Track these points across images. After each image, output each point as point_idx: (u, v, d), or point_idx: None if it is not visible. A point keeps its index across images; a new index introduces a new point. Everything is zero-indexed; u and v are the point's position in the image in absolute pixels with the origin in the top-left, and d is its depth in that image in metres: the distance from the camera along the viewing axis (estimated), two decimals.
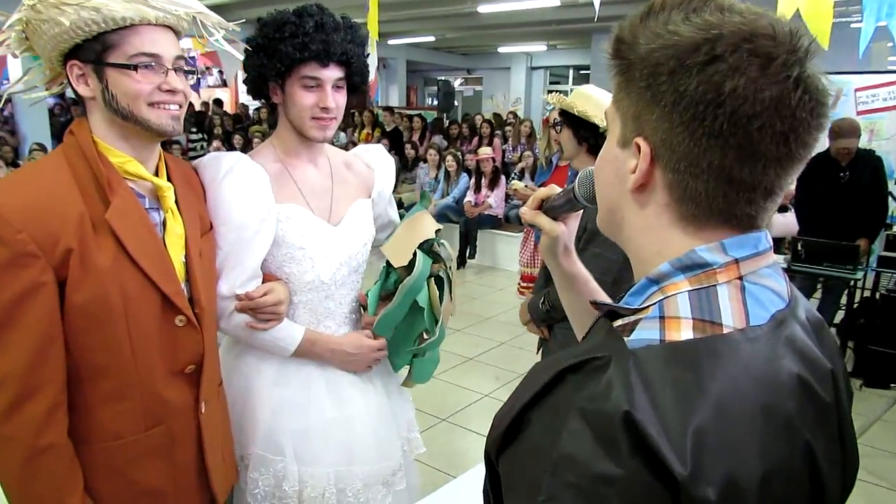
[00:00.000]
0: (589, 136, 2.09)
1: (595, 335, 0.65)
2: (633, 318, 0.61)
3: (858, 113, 6.14)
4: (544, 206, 0.94)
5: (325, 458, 1.44)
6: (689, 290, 0.60)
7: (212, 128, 9.85)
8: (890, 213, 5.28)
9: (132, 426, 1.16)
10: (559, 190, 0.94)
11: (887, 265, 4.38)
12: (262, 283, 1.42)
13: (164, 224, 1.20)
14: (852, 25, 7.08)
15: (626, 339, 0.58)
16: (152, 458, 1.19)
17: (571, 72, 15.96)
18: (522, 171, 7.63)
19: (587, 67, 13.45)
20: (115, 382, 1.13)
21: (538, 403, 0.58)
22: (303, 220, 1.46)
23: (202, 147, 9.23)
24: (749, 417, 0.54)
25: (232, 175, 1.36)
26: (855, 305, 4.39)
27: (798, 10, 3.05)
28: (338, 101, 1.43)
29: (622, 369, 0.54)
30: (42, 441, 1.05)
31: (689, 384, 0.53)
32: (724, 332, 0.57)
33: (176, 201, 1.22)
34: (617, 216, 0.68)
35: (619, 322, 0.62)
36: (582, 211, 0.93)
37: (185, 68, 1.18)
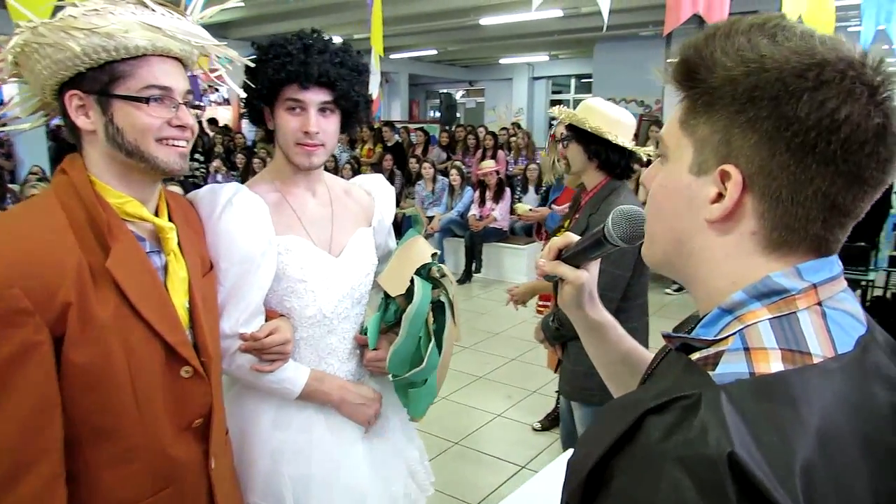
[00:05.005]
0: (601, 150, 2.05)
1: (669, 371, 0.61)
2: (713, 350, 0.57)
3: None
4: (564, 255, 0.89)
5: None
6: (769, 319, 0.57)
7: (211, 147, 9.77)
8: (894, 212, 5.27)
9: (139, 490, 1.07)
10: (576, 237, 0.88)
11: None
12: (265, 319, 1.36)
13: (165, 268, 1.12)
14: (850, 29, 7.06)
15: (710, 373, 0.54)
16: None
17: (573, 81, 15.95)
18: (526, 185, 7.59)
19: (589, 76, 13.45)
20: (119, 444, 1.04)
21: (622, 451, 0.53)
22: (303, 251, 1.40)
23: (203, 170, 9.16)
24: (853, 452, 0.51)
25: (231, 208, 1.30)
26: (867, 305, 4.35)
27: (801, 15, 3.05)
28: (323, 125, 1.36)
29: (715, 408, 0.50)
30: None
31: (789, 419, 0.50)
32: (815, 361, 0.54)
33: (178, 242, 1.15)
34: (685, 247, 0.65)
35: (697, 355, 0.58)
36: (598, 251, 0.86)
37: (195, 103, 1.12)
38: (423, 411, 1.56)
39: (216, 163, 8.69)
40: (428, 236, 7.32)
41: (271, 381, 1.36)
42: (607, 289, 2.01)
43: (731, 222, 0.60)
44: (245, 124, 11.44)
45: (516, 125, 10.83)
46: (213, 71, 1.21)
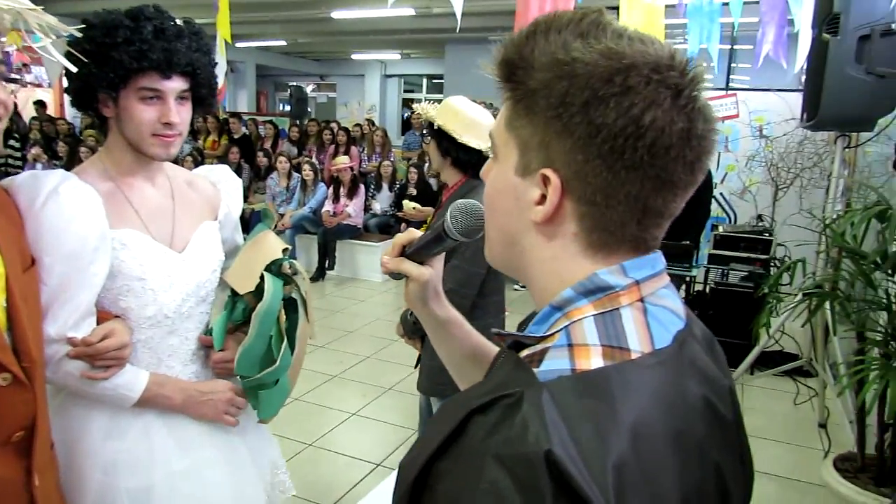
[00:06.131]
0: (451, 148, 2.09)
1: (501, 369, 0.61)
2: (539, 347, 0.58)
3: None
4: (407, 251, 0.87)
5: None
6: (594, 315, 0.58)
7: (27, 132, 8.75)
8: (714, 214, 5.86)
9: None
10: (419, 233, 0.87)
11: (715, 262, 4.82)
12: (97, 321, 1.23)
13: None
14: (676, 46, 7.84)
15: (535, 370, 0.54)
16: None
17: (425, 81, 16.17)
18: (380, 182, 7.57)
19: (441, 77, 13.70)
20: None
21: (447, 451, 0.52)
22: (142, 246, 1.28)
23: (18, 157, 8.17)
24: (664, 445, 0.53)
25: (57, 197, 1.16)
26: (689, 299, 4.81)
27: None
28: (182, 115, 1.28)
29: (536, 405, 0.50)
30: None
31: (605, 416, 0.51)
32: (633, 357, 0.55)
33: None
34: (516, 248, 0.65)
35: (525, 352, 0.59)
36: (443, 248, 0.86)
37: (9, 76, 0.96)
38: (274, 413, 1.50)
39: (35, 150, 7.79)
40: (279, 233, 7.08)
41: (105, 388, 1.23)
42: (462, 285, 2.04)
43: (553, 225, 0.60)
44: (69, 109, 10.35)
45: (370, 121, 10.76)
46: (28, 49, 1.06)
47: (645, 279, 0.60)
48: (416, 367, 2.36)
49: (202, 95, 1.34)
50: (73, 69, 1.15)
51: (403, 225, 6.73)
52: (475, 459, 0.49)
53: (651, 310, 0.59)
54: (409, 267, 0.86)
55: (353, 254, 7.05)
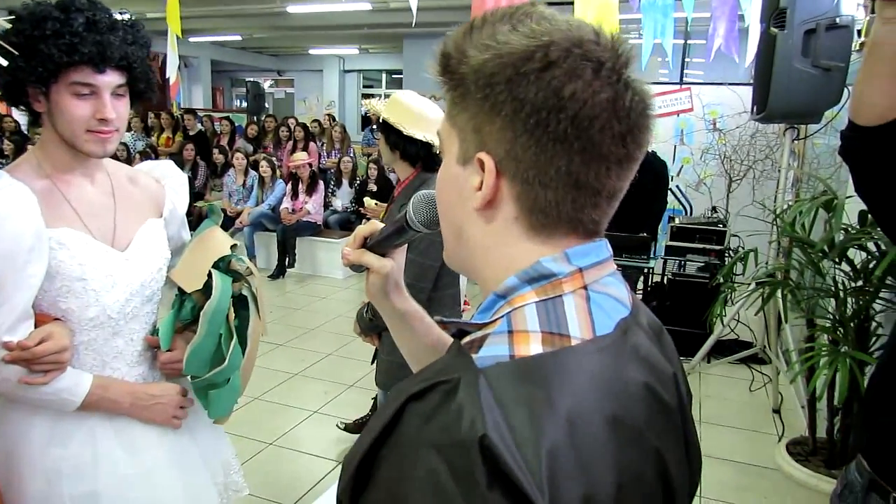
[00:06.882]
0: (398, 141, 2.08)
1: (443, 356, 0.60)
2: (480, 333, 0.58)
3: None
4: (369, 243, 0.86)
5: None
6: (536, 302, 0.58)
7: None
8: (671, 206, 5.95)
9: None
10: (381, 225, 0.86)
11: (672, 253, 4.90)
12: (34, 323, 1.18)
13: None
14: (631, 41, 7.95)
15: (474, 356, 0.54)
16: None
17: (384, 76, 16.08)
18: (340, 178, 7.49)
19: (400, 72, 13.63)
20: None
21: (388, 439, 0.52)
22: (81, 246, 1.23)
23: None
24: (600, 431, 0.52)
25: None
26: (648, 290, 4.88)
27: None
28: (119, 110, 1.24)
29: (472, 391, 0.50)
30: None
31: (540, 401, 0.50)
32: (573, 343, 0.55)
33: None
34: (463, 238, 0.64)
35: (466, 339, 0.59)
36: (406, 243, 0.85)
37: None
38: (226, 412, 1.46)
39: None
40: (237, 231, 6.95)
41: (45, 393, 1.19)
42: (417, 279, 2.04)
43: (493, 209, 0.60)
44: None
45: (331, 117, 10.63)
46: None
47: (589, 267, 0.60)
48: (372, 362, 2.35)
49: (140, 90, 1.29)
50: (4, 63, 1.10)
51: (365, 221, 6.67)
52: (412, 447, 0.49)
53: (594, 297, 0.59)
54: (370, 259, 0.85)
55: (314, 251, 6.97)
